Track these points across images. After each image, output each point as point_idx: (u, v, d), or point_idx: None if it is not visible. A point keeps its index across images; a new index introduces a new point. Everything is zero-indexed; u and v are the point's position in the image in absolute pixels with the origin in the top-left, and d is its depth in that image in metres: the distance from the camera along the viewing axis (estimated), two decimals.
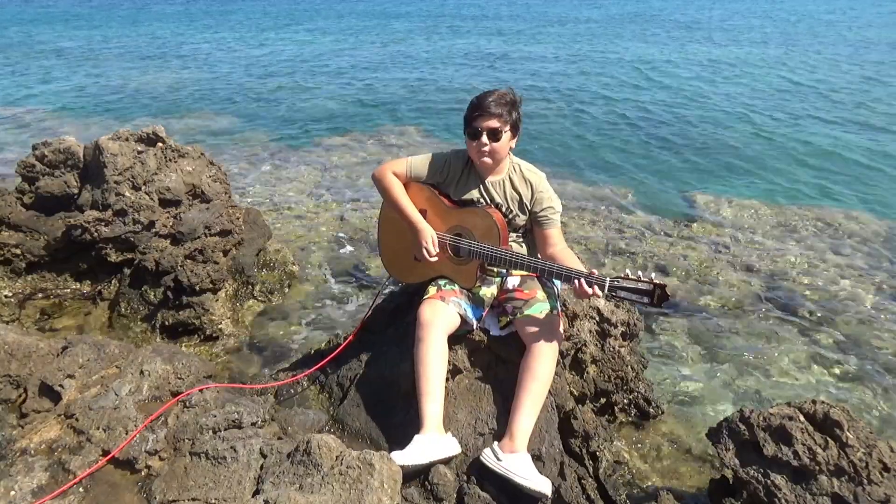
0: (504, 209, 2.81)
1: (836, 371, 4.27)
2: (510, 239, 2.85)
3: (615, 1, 38.79)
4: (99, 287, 4.60)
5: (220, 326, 4.29)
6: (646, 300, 2.38)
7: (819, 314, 4.93)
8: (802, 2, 38.45)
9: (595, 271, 2.46)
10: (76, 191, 4.73)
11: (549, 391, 2.67)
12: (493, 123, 2.65)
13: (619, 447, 3.38)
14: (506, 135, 2.70)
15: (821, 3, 37.81)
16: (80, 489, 2.26)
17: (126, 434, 2.42)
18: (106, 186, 4.52)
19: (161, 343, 3.93)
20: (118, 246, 4.50)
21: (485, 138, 2.66)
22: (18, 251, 4.56)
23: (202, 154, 5.06)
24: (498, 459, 2.40)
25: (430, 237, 2.76)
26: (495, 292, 2.88)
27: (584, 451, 2.80)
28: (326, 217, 6.59)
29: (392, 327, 3.18)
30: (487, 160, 2.73)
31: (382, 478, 2.12)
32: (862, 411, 3.86)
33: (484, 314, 2.86)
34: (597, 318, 3.42)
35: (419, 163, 2.87)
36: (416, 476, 2.42)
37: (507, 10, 32.83)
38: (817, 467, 2.43)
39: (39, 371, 2.74)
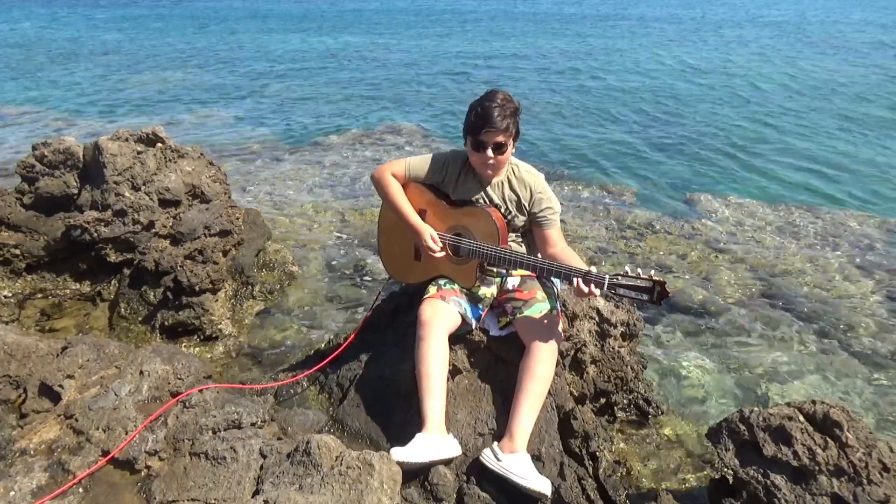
0: (503, 210, 2.81)
1: (836, 371, 4.27)
2: (510, 239, 2.85)
3: (615, 1, 38.79)
4: (99, 287, 4.59)
5: (219, 327, 4.29)
6: (645, 297, 2.37)
7: (819, 314, 4.93)
8: (802, 4, 38.43)
9: (594, 269, 2.46)
10: (76, 191, 4.73)
11: (549, 391, 2.67)
12: (500, 138, 2.65)
13: (619, 447, 3.39)
14: (510, 145, 2.70)
15: (820, 5, 37.80)
16: (80, 489, 2.26)
17: (126, 434, 2.41)
18: (105, 187, 4.52)
19: (161, 343, 3.92)
20: (118, 246, 4.50)
21: (490, 152, 2.66)
22: (18, 251, 4.56)
23: (202, 154, 5.07)
24: (498, 460, 2.40)
25: (430, 235, 2.77)
26: (495, 292, 2.88)
27: (583, 451, 2.80)
28: (326, 217, 6.59)
29: (392, 328, 3.18)
30: (491, 172, 2.75)
31: (382, 478, 2.12)
32: (862, 411, 3.86)
33: (483, 314, 2.86)
34: (596, 319, 3.42)
35: (418, 163, 2.87)
36: (416, 476, 2.42)
37: (506, 10, 32.83)
38: (817, 467, 2.43)
39: (39, 371, 2.74)
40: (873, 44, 20.49)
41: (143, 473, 2.34)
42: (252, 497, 2.17)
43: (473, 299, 2.83)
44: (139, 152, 4.70)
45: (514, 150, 2.79)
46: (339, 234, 6.12)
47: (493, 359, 2.86)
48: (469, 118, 2.71)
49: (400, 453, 2.33)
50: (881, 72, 15.42)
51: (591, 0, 38.73)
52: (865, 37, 22.22)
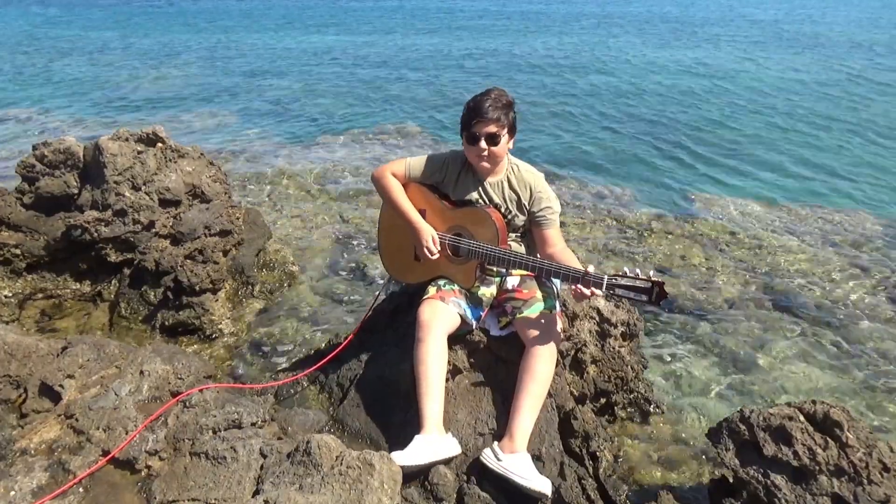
0: (503, 210, 2.81)
1: (837, 371, 4.27)
2: (509, 239, 2.85)
3: (614, 0, 38.78)
4: (99, 287, 4.60)
5: (219, 326, 4.30)
6: (644, 298, 2.37)
7: (819, 313, 4.93)
8: (802, 4, 38.44)
9: (592, 269, 2.46)
10: (76, 191, 4.73)
11: (549, 391, 2.67)
12: (492, 128, 2.66)
13: (619, 447, 3.39)
14: (504, 138, 2.71)
15: (819, 4, 37.81)
16: (80, 489, 2.26)
17: (126, 434, 2.42)
18: (106, 186, 4.52)
19: (161, 343, 3.92)
20: (118, 246, 4.50)
21: (483, 143, 2.67)
22: (18, 251, 4.56)
23: (202, 154, 5.07)
24: (498, 459, 2.40)
25: (430, 236, 2.77)
26: (495, 292, 2.88)
27: (584, 451, 2.80)
28: (326, 217, 6.59)
29: (392, 328, 3.18)
30: (486, 164, 2.75)
31: (382, 478, 2.12)
32: (862, 411, 3.86)
33: (483, 314, 2.86)
34: (597, 318, 3.42)
35: (418, 163, 2.87)
36: (417, 476, 2.42)
37: (506, 10, 32.82)
38: (817, 467, 2.43)
39: (39, 371, 2.74)
40: (877, 44, 20.49)
41: (143, 473, 2.34)
42: (252, 497, 2.18)
43: (473, 300, 2.83)
44: (139, 152, 4.70)
45: (511, 146, 2.80)
46: (339, 234, 6.12)
47: (493, 359, 2.86)
48: (463, 113, 2.73)
49: (400, 457, 2.33)
50: (883, 72, 15.40)
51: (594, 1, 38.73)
52: (869, 37, 22.22)
